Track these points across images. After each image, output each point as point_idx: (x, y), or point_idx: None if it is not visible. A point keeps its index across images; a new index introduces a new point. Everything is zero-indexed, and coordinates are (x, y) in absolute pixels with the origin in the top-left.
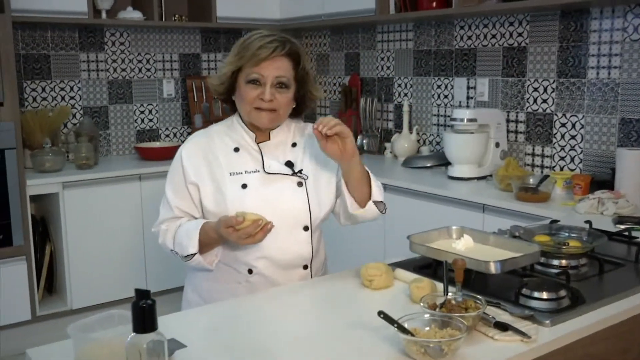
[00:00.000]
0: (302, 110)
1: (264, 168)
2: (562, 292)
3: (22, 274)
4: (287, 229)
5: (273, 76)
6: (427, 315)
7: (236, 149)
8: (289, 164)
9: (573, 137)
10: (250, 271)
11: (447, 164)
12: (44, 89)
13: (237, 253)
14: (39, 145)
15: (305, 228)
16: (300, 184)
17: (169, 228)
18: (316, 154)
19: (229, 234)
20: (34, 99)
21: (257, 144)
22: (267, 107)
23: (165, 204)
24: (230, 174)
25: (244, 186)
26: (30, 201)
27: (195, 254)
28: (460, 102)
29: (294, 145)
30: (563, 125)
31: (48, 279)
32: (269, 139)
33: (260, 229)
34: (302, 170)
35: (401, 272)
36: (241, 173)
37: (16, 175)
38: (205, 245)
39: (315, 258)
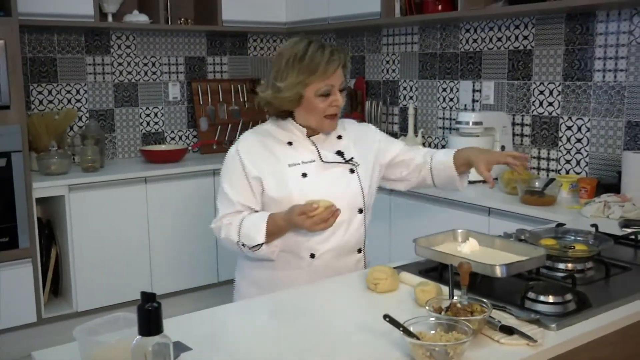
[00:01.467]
0: None
1: (320, 158)
2: (568, 296)
3: (27, 276)
4: (345, 213)
5: (338, 84)
6: (433, 318)
7: (289, 143)
8: (340, 154)
9: (579, 140)
10: (312, 256)
11: None
12: (50, 92)
13: (300, 239)
14: (45, 148)
15: (360, 211)
16: (352, 171)
17: (232, 222)
18: (360, 144)
19: (303, 221)
20: (41, 102)
21: (309, 137)
22: (335, 112)
23: (225, 200)
24: (289, 165)
25: (304, 175)
26: (36, 204)
27: (262, 244)
28: (465, 105)
29: (339, 137)
30: (569, 128)
31: (54, 282)
32: (317, 133)
33: (332, 214)
34: (352, 158)
35: (406, 276)
36: (299, 164)
37: (22, 178)
38: (271, 235)
39: (366, 242)
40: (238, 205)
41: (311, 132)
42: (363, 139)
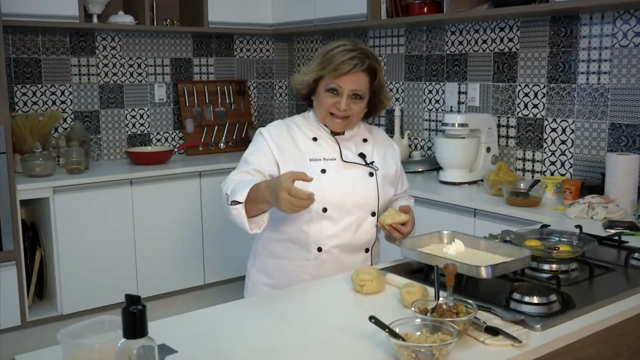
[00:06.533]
0: (372, 115)
1: (341, 157)
2: (553, 297)
3: (12, 279)
4: (358, 213)
5: (350, 89)
6: (418, 320)
7: (314, 139)
8: (362, 156)
9: (563, 142)
10: (319, 249)
11: (438, 168)
12: (34, 93)
13: (309, 232)
14: (29, 149)
15: (373, 214)
16: (371, 174)
17: (236, 178)
18: (383, 152)
19: (284, 192)
20: (25, 103)
21: (334, 136)
22: (341, 115)
23: (242, 163)
24: (310, 159)
25: (323, 171)
26: (21, 206)
27: (239, 203)
28: (451, 107)
29: (364, 140)
30: (553, 130)
31: (38, 284)
32: (343, 133)
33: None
34: (373, 162)
35: (392, 277)
36: (320, 160)
37: (6, 179)
38: (252, 201)
39: (375, 243)
40: (250, 168)
41: (336, 132)
42: (386, 154)
